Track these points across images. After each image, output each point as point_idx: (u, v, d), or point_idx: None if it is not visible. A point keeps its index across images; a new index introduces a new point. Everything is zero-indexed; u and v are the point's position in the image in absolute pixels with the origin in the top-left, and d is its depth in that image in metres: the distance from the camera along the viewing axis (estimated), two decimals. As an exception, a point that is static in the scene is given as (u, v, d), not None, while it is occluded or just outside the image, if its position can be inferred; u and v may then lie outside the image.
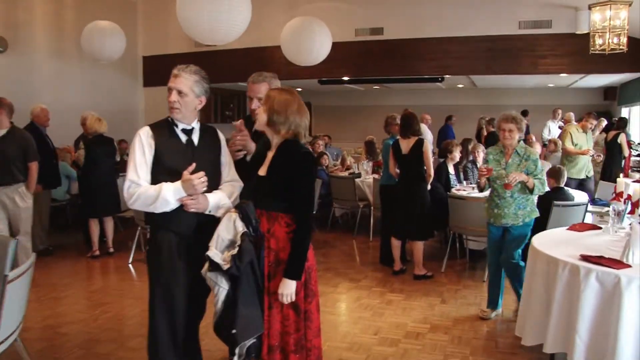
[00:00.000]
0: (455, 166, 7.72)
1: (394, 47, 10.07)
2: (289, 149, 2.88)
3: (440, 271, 6.40)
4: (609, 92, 14.35)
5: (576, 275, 3.45)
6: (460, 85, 14.68)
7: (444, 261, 6.52)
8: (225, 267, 2.80)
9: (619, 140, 9.07)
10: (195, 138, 3.07)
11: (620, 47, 6.19)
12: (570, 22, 8.85)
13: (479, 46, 9.53)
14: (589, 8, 6.23)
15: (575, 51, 9.02)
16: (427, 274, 6.16)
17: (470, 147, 8.23)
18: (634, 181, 8.54)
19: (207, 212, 2.96)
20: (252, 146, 3.23)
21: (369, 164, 8.98)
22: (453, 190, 7.01)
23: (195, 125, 3.08)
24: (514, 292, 4.96)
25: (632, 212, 4.35)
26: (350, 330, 4.76)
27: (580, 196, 6.56)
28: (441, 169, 7.52)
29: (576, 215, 5.71)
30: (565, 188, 5.96)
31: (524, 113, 12.77)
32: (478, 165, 7.89)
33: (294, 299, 2.82)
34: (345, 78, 11.52)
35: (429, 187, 6.15)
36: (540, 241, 4.11)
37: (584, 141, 8.30)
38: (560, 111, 12.13)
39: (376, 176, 8.06)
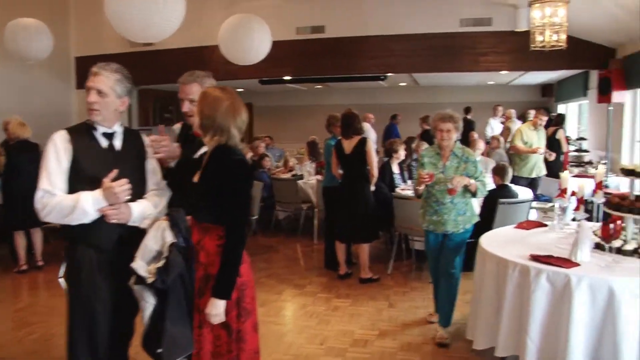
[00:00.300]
0: (400, 165, 7.61)
1: (335, 45, 9.87)
2: (221, 155, 2.61)
3: (386, 273, 6.24)
4: (546, 89, 14.64)
5: (526, 276, 3.33)
6: (402, 84, 14.68)
7: (390, 263, 6.38)
8: (150, 280, 2.53)
9: (557, 137, 9.16)
10: (118, 142, 2.78)
11: (560, 44, 6.17)
12: (510, 20, 8.89)
13: (421, 44, 9.45)
14: (529, 5, 6.17)
15: (516, 49, 9.06)
16: (373, 277, 6.00)
17: (414, 145, 8.15)
18: (573, 176, 8.66)
19: (130, 224, 2.67)
20: (177, 152, 2.94)
21: (312, 164, 8.79)
22: (397, 189, 6.88)
23: (118, 128, 2.79)
24: (442, 309, 4.54)
25: (577, 208, 4.28)
26: (295, 341, 4.53)
27: (524, 193, 6.54)
28: (385, 169, 7.38)
29: (521, 213, 5.66)
30: (510, 185, 5.90)
31: (467, 110, 12.88)
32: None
33: (223, 319, 2.55)
34: (287, 77, 11.27)
35: (372, 187, 5.98)
36: (489, 241, 3.99)
37: (536, 139, 8.16)
38: (501, 108, 12.30)
39: (319, 177, 7.86)
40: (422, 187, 4.44)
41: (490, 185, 6.40)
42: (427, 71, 9.89)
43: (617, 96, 8.02)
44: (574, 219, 4.38)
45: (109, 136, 2.74)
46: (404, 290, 5.74)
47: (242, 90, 15.94)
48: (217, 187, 2.57)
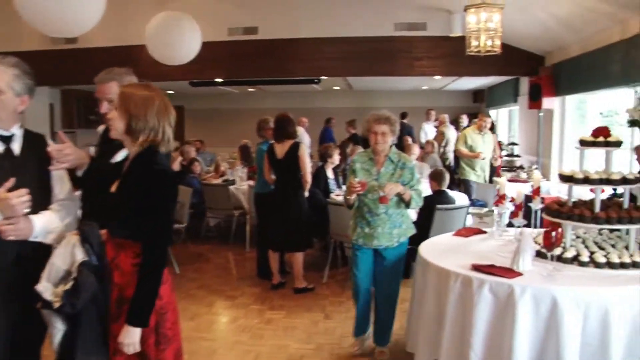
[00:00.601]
0: (334, 170, 7.43)
1: (268, 47, 9.61)
2: (142, 163, 2.32)
3: (321, 282, 6.03)
4: (478, 94, 14.90)
5: (469, 287, 3.19)
6: (336, 87, 14.58)
7: (325, 271, 6.17)
8: (57, 304, 2.22)
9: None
10: (16, 147, 2.43)
11: (494, 49, 6.16)
12: (444, 25, 8.89)
13: (355, 47, 9.33)
14: (465, 10, 6.13)
15: (450, 54, 9.09)
16: (308, 286, 5.77)
17: (348, 150, 7.99)
18: (508, 180, 8.75)
19: (32, 239, 2.33)
20: (86, 158, 2.57)
21: (244, 169, 8.49)
22: (332, 195, 6.70)
23: (17, 131, 2.44)
24: (380, 330, 4.24)
25: (515, 214, 4.20)
26: (226, 358, 4.24)
27: (460, 198, 6.49)
28: (320, 174, 7.20)
29: (459, 219, 5.58)
30: (447, 191, 5.82)
31: (403, 115, 12.92)
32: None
33: (138, 349, 2.23)
34: (219, 80, 10.93)
35: (306, 193, 5.76)
36: (428, 250, 3.84)
37: (481, 142, 8.18)
38: (433, 112, 12.37)
39: (251, 182, 7.58)
40: (353, 197, 4.04)
41: (427, 191, 6.33)
42: (362, 75, 9.81)
43: (547, 102, 8.15)
44: (510, 224, 4.32)
45: (7, 139, 2.40)
46: (340, 300, 5.54)
47: (172, 92, 15.45)
48: (136, 198, 2.28)
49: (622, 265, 3.29)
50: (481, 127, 8.21)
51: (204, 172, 9.23)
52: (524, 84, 10.22)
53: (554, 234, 3.17)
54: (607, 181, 3.50)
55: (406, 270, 5.81)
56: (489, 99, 13.85)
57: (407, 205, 4.07)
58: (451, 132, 11.20)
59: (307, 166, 5.64)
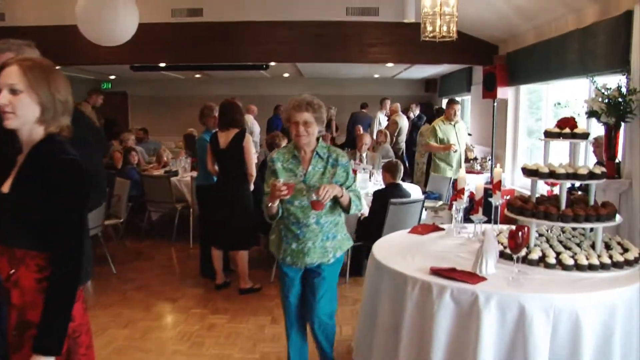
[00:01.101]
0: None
1: (214, 30, 9.11)
2: (45, 153, 1.90)
3: (269, 281, 5.66)
4: (430, 84, 14.74)
5: (428, 293, 2.88)
6: (286, 75, 14.16)
7: (272, 269, 5.79)
8: None
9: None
10: None
11: (450, 35, 5.90)
12: (397, 10, 8.59)
13: (306, 32, 8.94)
14: (419, -7, 5.86)
15: (403, 41, 8.82)
16: (254, 286, 5.40)
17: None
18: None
19: None
20: None
21: (187, 160, 8.01)
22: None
23: None
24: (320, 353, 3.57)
25: (475, 210, 3.93)
26: (161, 371, 3.84)
27: (415, 191, 6.23)
28: (264, 166, 6.82)
29: (414, 213, 5.30)
30: (401, 183, 5.53)
31: (363, 105, 12.65)
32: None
33: None
34: (162, 64, 10.37)
35: (252, 187, 5.37)
36: (382, 250, 3.52)
37: (453, 134, 7.62)
38: (388, 101, 12.07)
39: (194, 174, 7.12)
40: (275, 204, 3.18)
41: (379, 184, 6.03)
42: (312, 61, 9.43)
43: (502, 92, 7.96)
44: (467, 219, 4.05)
45: None
46: (288, 301, 5.19)
47: (114, 77, 14.74)
48: (38, 197, 1.86)
49: (591, 267, 3.05)
50: (451, 116, 7.60)
51: (146, 163, 8.71)
52: (478, 73, 10.06)
53: (520, 234, 2.90)
54: (574, 176, 3.25)
55: (357, 268, 5.55)
56: (441, 88, 13.70)
57: (346, 210, 3.30)
58: (404, 122, 10.98)
59: (252, 158, 5.25)
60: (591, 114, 4.93)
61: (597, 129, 5.33)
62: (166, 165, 8.20)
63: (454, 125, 7.58)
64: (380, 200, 5.06)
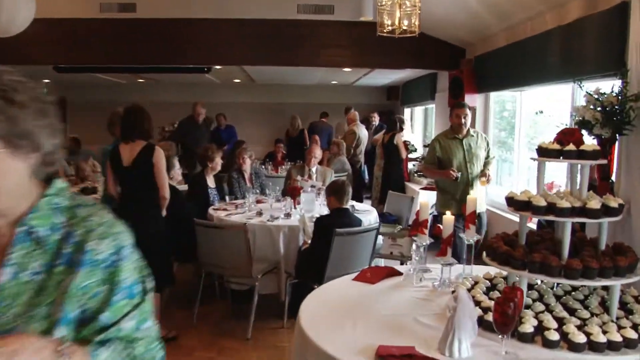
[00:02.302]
0: (218, 177, 6.04)
1: (149, 28, 8.01)
2: None
3: (190, 325, 4.59)
4: (391, 91, 13.87)
5: (372, 396, 1.88)
6: (237, 80, 13.09)
7: (194, 308, 4.73)
8: None
9: (395, 142, 8.14)
10: None
11: (412, 30, 4.95)
12: (354, 8, 7.67)
13: (252, 31, 7.93)
14: (376, -20, 4.90)
15: (360, 41, 7.90)
16: (168, 335, 4.32)
17: (238, 152, 6.59)
18: (421, 188, 7.65)
19: None
20: None
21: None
22: (210, 210, 5.29)
23: None
24: None
25: (442, 251, 2.96)
26: None
27: (368, 214, 5.25)
28: (198, 181, 5.78)
29: (365, 244, 4.31)
30: (349, 208, 4.52)
31: (323, 115, 11.72)
32: (245, 175, 6.29)
33: None
34: (89, 66, 9.20)
35: (164, 212, 4.29)
36: (312, 313, 2.51)
37: (458, 153, 5.25)
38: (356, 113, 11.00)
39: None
40: None
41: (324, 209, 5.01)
42: (259, 64, 8.40)
43: (470, 100, 7.07)
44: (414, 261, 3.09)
45: None
46: (209, 356, 4.13)
47: (48, 81, 13.42)
48: None
49: (611, 346, 2.08)
50: (459, 126, 5.25)
51: (65, 177, 7.53)
52: (443, 79, 9.18)
53: (512, 304, 1.92)
54: (582, 211, 2.30)
55: (292, 308, 4.53)
56: (403, 96, 12.82)
57: None
58: (363, 132, 10.03)
59: (165, 176, 4.17)
60: (582, 124, 4.01)
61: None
62: (85, 180, 7.04)
63: (462, 141, 5.26)
64: (323, 229, 4.06)
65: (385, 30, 4.95)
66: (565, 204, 2.26)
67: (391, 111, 12.80)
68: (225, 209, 5.34)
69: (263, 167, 9.17)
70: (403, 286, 2.95)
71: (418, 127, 11.78)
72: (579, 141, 2.38)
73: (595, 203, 2.26)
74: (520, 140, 6.60)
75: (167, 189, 4.14)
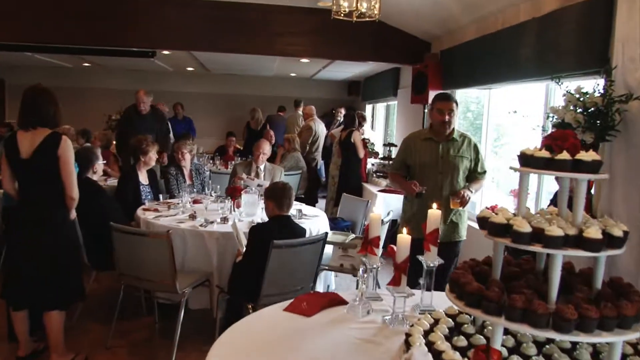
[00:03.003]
0: (151, 173, 5.38)
1: (86, 7, 7.25)
2: None
3: (103, 346, 3.93)
4: (353, 86, 13.32)
5: None
6: (190, 69, 12.34)
7: (111, 326, 4.05)
8: None
9: (352, 140, 7.56)
10: None
11: (371, 15, 4.38)
12: (311, -8, 7.11)
13: (200, 14, 7.23)
14: (332, -43, 4.30)
15: (318, 30, 7.32)
16: (76, 358, 3.65)
17: (176, 145, 5.92)
18: (380, 190, 7.10)
19: None
20: None
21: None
22: (139, 211, 4.63)
23: None
24: None
25: (395, 279, 2.39)
26: None
27: (318, 221, 4.66)
28: (128, 177, 5.11)
29: (309, 258, 3.71)
30: (291, 216, 3.90)
31: (280, 109, 11.13)
32: (184, 171, 5.65)
33: None
34: (21, 43, 8.33)
35: (73, 214, 3.62)
36: (224, 354, 1.91)
37: (433, 160, 4.06)
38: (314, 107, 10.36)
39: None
40: None
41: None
42: (206, 49, 7.70)
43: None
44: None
45: None
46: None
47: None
48: None
49: None
50: (441, 124, 3.95)
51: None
52: (406, 75, 8.69)
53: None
54: (579, 241, 1.75)
55: (225, 327, 3.90)
56: (365, 91, 12.29)
57: None
58: (320, 127, 9.43)
59: (72, 171, 3.48)
60: (561, 127, 3.51)
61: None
62: None
63: (439, 144, 3.99)
64: (259, 240, 3.44)
65: (341, 13, 4.37)
66: (556, 231, 1.70)
67: (350, 107, 12.24)
68: (156, 210, 4.68)
69: (211, 161, 8.49)
70: (346, 320, 2.37)
71: (379, 124, 11.24)
72: (574, 148, 1.83)
73: (595, 231, 1.71)
74: (487, 144, 6.10)
75: (74, 188, 3.45)
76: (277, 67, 10.68)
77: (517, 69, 4.91)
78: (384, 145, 8.50)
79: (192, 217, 4.40)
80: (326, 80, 13.25)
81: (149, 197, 5.13)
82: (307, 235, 3.97)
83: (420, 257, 2.46)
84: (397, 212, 6.97)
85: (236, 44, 7.43)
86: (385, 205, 6.79)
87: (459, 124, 7.02)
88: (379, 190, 7.05)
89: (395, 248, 2.38)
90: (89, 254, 4.20)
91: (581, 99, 3.50)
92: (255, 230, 3.52)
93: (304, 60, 9.12)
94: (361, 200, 5.72)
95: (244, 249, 3.71)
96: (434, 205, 2.53)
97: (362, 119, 7.90)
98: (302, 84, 13.23)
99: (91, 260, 4.26)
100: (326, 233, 3.75)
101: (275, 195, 3.60)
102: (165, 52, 8.81)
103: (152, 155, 5.25)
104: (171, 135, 7.33)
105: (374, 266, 2.54)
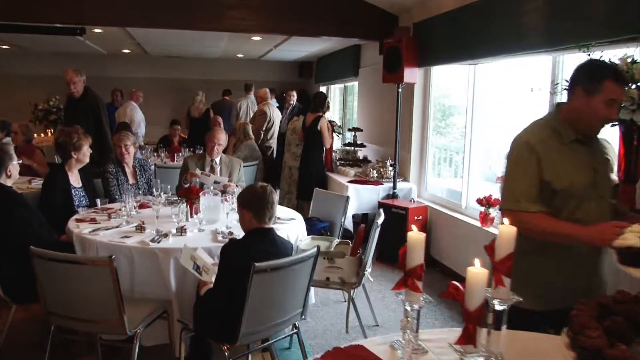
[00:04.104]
0: (85, 173, 4.44)
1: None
2: None
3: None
4: (304, 67, 12.48)
5: None
6: (126, 51, 11.19)
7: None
8: None
9: (319, 127, 6.68)
10: None
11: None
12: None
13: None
14: None
15: (272, 4, 6.47)
16: None
17: (115, 138, 4.96)
18: (349, 181, 6.33)
19: None
20: None
21: None
22: (70, 222, 3.70)
23: None
24: None
25: (466, 338, 1.63)
26: None
27: (296, 226, 3.85)
28: (54, 179, 4.16)
29: (299, 280, 2.90)
30: (274, 228, 3.05)
31: (225, 92, 10.16)
32: (127, 168, 4.74)
33: None
34: None
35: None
36: None
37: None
38: (268, 90, 9.40)
39: None
40: None
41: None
42: (145, 25, 6.67)
43: (409, 75, 5.83)
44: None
45: None
46: None
47: None
48: None
49: None
50: (601, 120, 2.26)
51: None
52: (369, 52, 7.95)
53: None
54: None
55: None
56: (318, 72, 11.45)
57: None
58: (275, 112, 8.58)
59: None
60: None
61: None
62: None
63: (591, 148, 2.34)
64: (234, 264, 2.61)
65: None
66: None
67: (304, 90, 11.41)
68: (93, 220, 3.75)
69: (155, 154, 7.49)
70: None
71: (335, 108, 10.44)
72: None
73: None
74: (473, 125, 5.42)
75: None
76: (225, 46, 9.71)
77: (517, 39, 4.22)
78: (350, 130, 7.72)
79: (140, 228, 3.50)
80: (276, 62, 12.35)
81: (84, 202, 4.19)
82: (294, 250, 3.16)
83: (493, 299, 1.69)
84: (369, 205, 6.30)
85: (178, 19, 6.48)
86: (358, 198, 6.05)
87: (434, 111, 6.36)
88: (350, 181, 6.29)
89: (460, 286, 1.61)
90: (6, 283, 3.27)
91: (628, 70, 2.84)
92: (228, 251, 2.68)
93: (256, 37, 8.22)
94: (338, 195, 4.94)
95: (211, 276, 2.87)
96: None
97: (323, 102, 7.06)
98: (250, 66, 12.29)
99: (9, 292, 3.31)
100: (318, 247, 2.94)
101: (254, 203, 2.74)
102: (97, 29, 7.72)
103: (86, 150, 4.30)
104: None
105: (416, 307, 1.77)
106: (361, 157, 7.44)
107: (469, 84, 5.45)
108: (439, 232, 5.68)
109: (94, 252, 3.24)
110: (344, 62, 9.02)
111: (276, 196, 2.84)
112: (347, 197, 4.60)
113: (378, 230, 3.75)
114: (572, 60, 4.04)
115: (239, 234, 3.42)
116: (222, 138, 5.08)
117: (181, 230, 3.47)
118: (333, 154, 7.36)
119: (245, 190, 2.91)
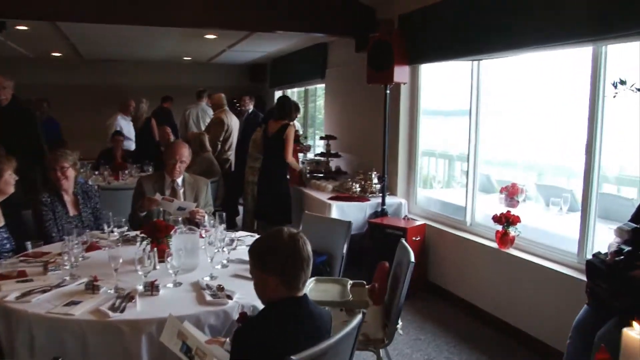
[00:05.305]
0: (8, 205, 3.39)
1: None
2: None
3: None
4: (256, 71, 11.53)
5: None
6: (56, 54, 9.94)
7: None
8: None
9: (285, 136, 5.73)
10: None
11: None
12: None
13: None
14: None
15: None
16: None
17: (49, 158, 3.90)
18: (330, 198, 5.46)
19: None
20: None
21: None
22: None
23: None
24: None
25: None
26: None
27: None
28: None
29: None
30: (308, 295, 2.12)
31: (165, 99, 9.15)
32: (65, 197, 3.72)
33: None
34: None
35: None
36: None
37: None
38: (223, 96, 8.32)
39: None
40: None
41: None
42: (78, 20, 5.56)
43: (400, 73, 5.03)
44: None
45: None
46: None
47: None
48: None
49: None
50: None
51: None
52: (336, 51, 7.13)
53: None
54: None
55: None
56: (272, 76, 10.52)
57: None
58: (233, 121, 7.61)
59: None
60: None
61: None
62: None
63: None
64: (256, 353, 1.70)
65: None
66: None
67: (259, 96, 10.46)
68: (21, 274, 2.73)
69: (97, 173, 6.34)
70: None
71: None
72: None
73: None
74: (478, 130, 4.69)
75: None
76: (173, 47, 8.66)
77: (524, 32, 3.52)
78: (322, 138, 6.84)
79: (93, 287, 2.51)
80: (224, 65, 11.35)
81: (8, 247, 3.15)
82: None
83: None
84: (356, 225, 5.39)
85: (122, 14, 5.45)
86: (344, 218, 5.16)
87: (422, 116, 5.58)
88: (330, 198, 5.42)
89: None
90: None
91: None
92: (249, 339, 1.74)
93: (210, 36, 7.25)
94: (337, 220, 4.07)
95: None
96: None
97: (297, 109, 6.16)
98: (196, 70, 11.26)
99: None
100: (363, 312, 2.05)
101: (283, 263, 1.80)
102: (21, 27, 6.56)
103: (9, 177, 3.26)
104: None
105: None
106: (333, 169, 6.59)
107: (472, 83, 4.71)
108: (440, 253, 4.94)
109: (26, 330, 2.22)
110: (307, 63, 8.15)
111: (309, 246, 1.90)
112: (349, 222, 3.71)
113: (412, 268, 2.85)
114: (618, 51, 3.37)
115: (233, 289, 2.51)
116: (184, 154, 4.11)
117: (152, 287, 2.50)
118: (301, 165, 6.46)
119: (264, 243, 1.91)
